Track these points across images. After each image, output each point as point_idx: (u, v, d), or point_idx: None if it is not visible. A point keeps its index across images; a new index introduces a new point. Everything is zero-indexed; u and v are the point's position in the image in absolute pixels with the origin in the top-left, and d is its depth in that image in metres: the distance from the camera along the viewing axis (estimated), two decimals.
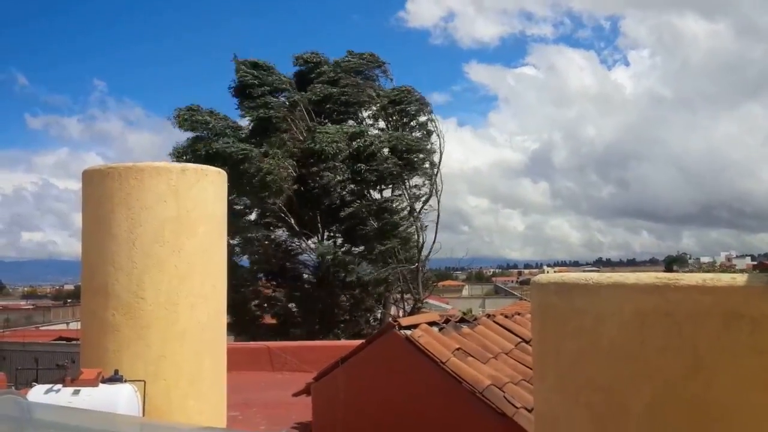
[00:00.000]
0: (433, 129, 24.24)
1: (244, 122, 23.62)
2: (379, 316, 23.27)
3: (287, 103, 23.36)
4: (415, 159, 23.17)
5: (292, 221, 22.58)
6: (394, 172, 22.47)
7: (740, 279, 1.80)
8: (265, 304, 23.25)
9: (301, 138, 22.62)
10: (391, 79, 25.24)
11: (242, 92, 23.21)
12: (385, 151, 22.51)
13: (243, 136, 22.71)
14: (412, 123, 24.40)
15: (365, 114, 24.63)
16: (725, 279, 1.82)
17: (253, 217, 23.85)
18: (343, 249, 22.47)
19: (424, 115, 24.46)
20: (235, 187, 20.79)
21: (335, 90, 23.47)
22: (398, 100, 24.14)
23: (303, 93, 23.71)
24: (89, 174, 5.98)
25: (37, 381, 5.05)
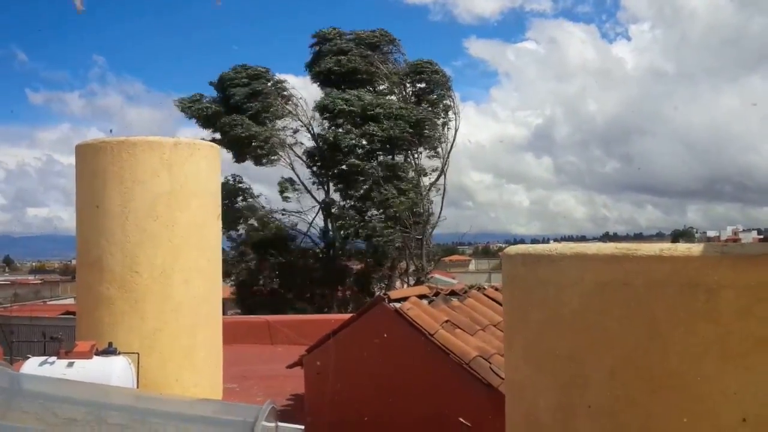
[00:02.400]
0: (450, 104, 24.13)
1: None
2: (384, 289, 23.37)
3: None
4: (427, 130, 23.14)
5: (304, 183, 23.08)
6: (404, 138, 22.45)
7: (696, 249, 1.82)
8: (271, 276, 23.43)
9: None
10: (403, 54, 25.17)
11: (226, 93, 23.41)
12: (398, 119, 22.46)
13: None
14: (430, 96, 24.28)
15: (380, 87, 24.56)
16: (681, 249, 1.83)
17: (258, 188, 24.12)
18: (350, 205, 22.76)
19: (443, 90, 24.32)
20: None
21: (343, 58, 23.46)
22: (418, 72, 23.98)
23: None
24: (82, 148, 5.99)
25: (45, 354, 5.13)
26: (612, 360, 1.93)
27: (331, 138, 22.42)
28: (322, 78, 24.16)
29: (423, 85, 24.33)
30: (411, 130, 22.38)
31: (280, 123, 23.82)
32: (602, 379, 1.96)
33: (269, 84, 23.85)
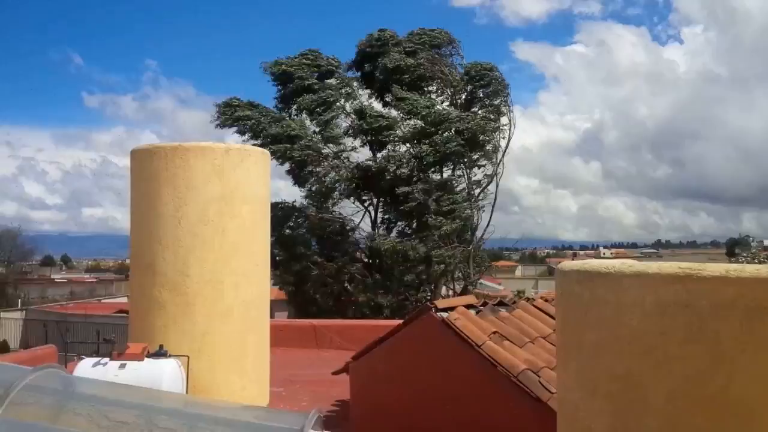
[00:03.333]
0: (505, 111, 23.27)
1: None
2: (429, 296, 23.11)
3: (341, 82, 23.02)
4: (481, 140, 22.29)
5: (352, 199, 22.60)
6: (457, 152, 21.77)
7: (765, 270, 1.73)
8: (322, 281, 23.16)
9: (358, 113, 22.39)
10: (462, 56, 24.36)
11: (288, 80, 22.76)
12: (450, 131, 21.77)
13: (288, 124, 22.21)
14: (485, 101, 23.42)
15: (434, 88, 23.64)
16: (749, 270, 1.75)
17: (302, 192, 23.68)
18: (398, 239, 22.03)
19: (500, 97, 23.43)
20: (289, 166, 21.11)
21: (412, 61, 22.17)
22: (477, 76, 23.07)
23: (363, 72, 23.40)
24: (137, 153, 6.13)
25: (98, 353, 5.26)
26: (672, 384, 1.85)
27: (377, 165, 21.93)
28: (372, 83, 23.58)
29: (479, 90, 23.52)
30: (463, 142, 21.70)
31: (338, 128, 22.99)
32: (661, 403, 1.88)
33: (340, 85, 22.52)
